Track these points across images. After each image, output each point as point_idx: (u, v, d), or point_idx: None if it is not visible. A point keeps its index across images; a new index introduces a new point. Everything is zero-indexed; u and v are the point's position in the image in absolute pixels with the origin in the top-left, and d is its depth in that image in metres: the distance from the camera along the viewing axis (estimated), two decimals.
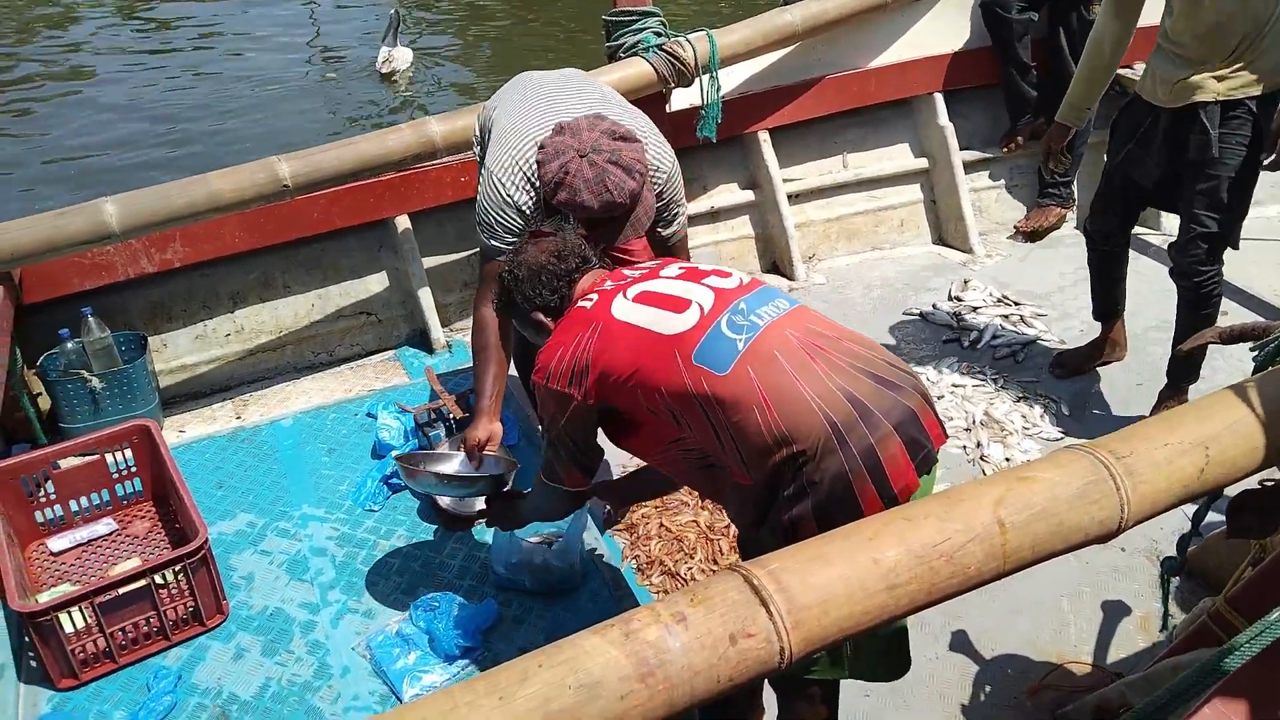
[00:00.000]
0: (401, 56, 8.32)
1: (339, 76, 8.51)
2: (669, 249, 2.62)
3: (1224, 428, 1.41)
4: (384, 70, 8.27)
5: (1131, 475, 1.34)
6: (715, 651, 1.11)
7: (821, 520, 1.62)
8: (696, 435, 1.76)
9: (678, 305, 1.81)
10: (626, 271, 1.99)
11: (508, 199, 2.37)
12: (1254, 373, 1.65)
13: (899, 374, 1.75)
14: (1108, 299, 3.38)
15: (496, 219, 2.40)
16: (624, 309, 1.85)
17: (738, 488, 1.76)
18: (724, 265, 2.08)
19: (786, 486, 1.67)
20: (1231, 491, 1.73)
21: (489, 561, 2.55)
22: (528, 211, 2.38)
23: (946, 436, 1.83)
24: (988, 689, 2.37)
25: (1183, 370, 3.10)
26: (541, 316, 2.00)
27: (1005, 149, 4.39)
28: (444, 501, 2.70)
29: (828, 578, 1.18)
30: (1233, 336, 2.16)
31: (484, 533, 2.71)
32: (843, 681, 2.01)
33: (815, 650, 1.18)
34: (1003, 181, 4.50)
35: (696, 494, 2.91)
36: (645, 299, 1.85)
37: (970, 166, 4.38)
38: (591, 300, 1.90)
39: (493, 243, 2.42)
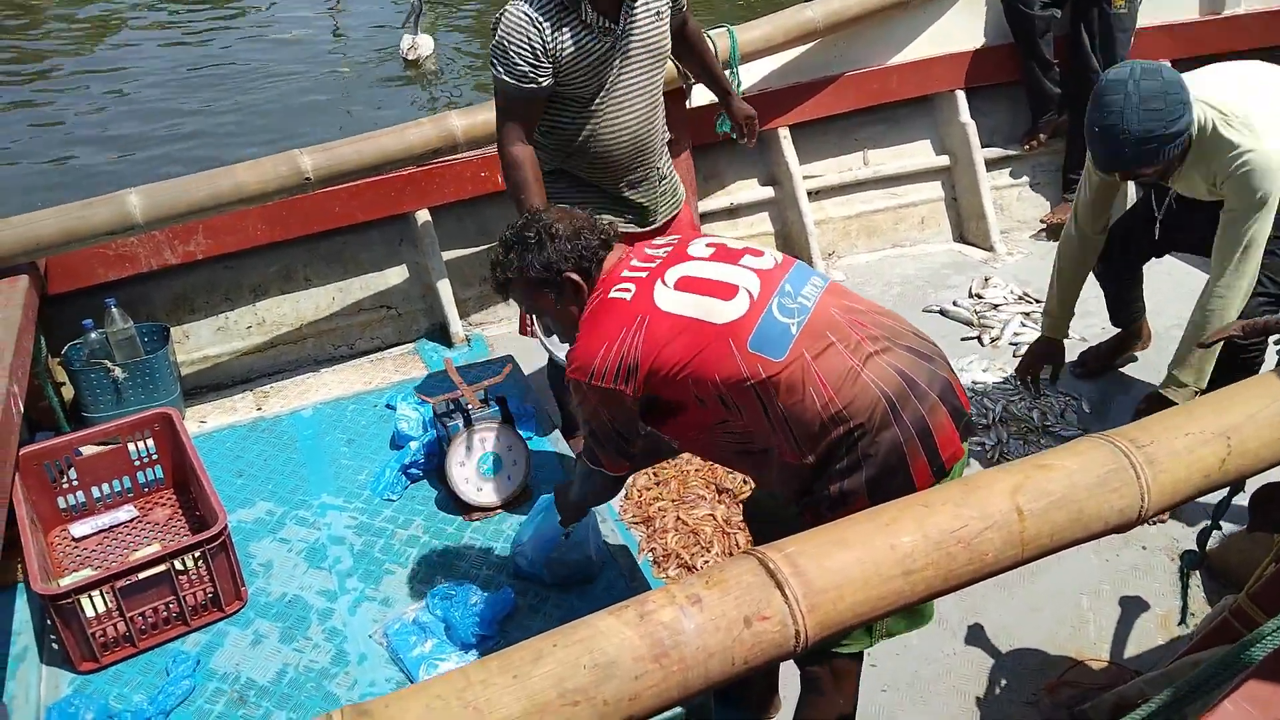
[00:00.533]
0: (425, 43, 8.38)
1: (365, 63, 8.55)
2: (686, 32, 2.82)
3: (1245, 418, 1.40)
4: (409, 57, 8.32)
5: (1152, 464, 1.32)
6: (730, 634, 1.10)
7: (874, 492, 1.67)
8: (746, 419, 1.74)
9: (724, 291, 1.76)
10: (649, 250, 1.91)
11: (525, 13, 2.40)
12: (1278, 365, 1.63)
13: (927, 345, 1.81)
14: (1122, 313, 3.37)
15: (513, 42, 2.42)
16: (668, 299, 1.77)
17: (785, 466, 1.76)
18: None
19: (839, 461, 1.69)
20: (1253, 485, 1.71)
21: (512, 554, 2.56)
22: (545, 24, 2.40)
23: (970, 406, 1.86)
24: (1005, 685, 2.36)
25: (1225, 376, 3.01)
26: (577, 277, 1.86)
27: (1026, 146, 4.37)
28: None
29: (844, 562, 1.18)
30: (1256, 330, 2.15)
31: (501, 522, 2.72)
32: (859, 677, 2.00)
33: (830, 635, 1.17)
34: (1024, 179, 4.48)
35: (712, 490, 2.91)
36: (688, 285, 1.78)
37: (992, 164, 4.36)
38: (629, 291, 1.80)
39: (507, 79, 2.45)
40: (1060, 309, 3.06)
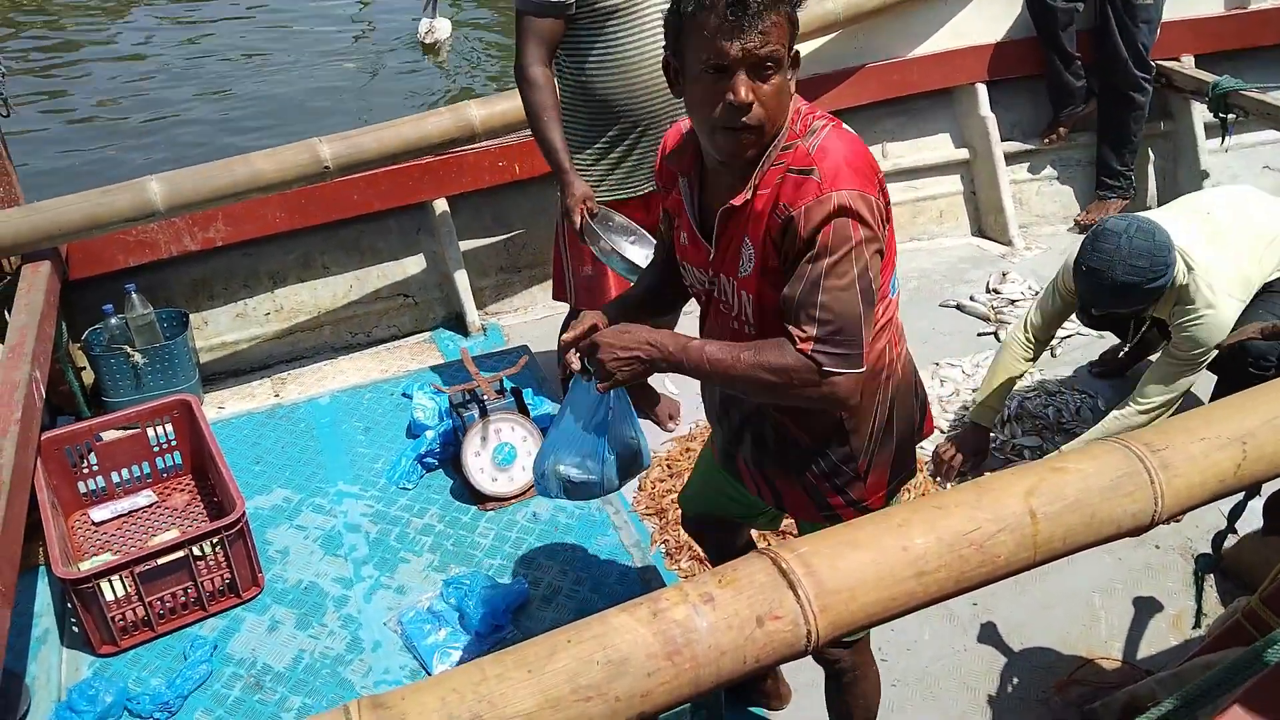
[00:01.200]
0: (442, 27, 8.37)
1: (382, 48, 8.54)
2: None
3: (1262, 423, 1.39)
4: (427, 41, 8.31)
5: (1166, 468, 1.32)
6: (742, 633, 1.11)
7: (895, 462, 1.75)
8: None
9: None
10: None
11: None
12: None
13: None
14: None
15: None
16: None
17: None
18: None
19: (875, 419, 1.70)
20: (1269, 489, 1.71)
21: (544, 478, 1.85)
22: None
23: None
24: (1016, 682, 2.36)
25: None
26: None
27: (1046, 140, 4.34)
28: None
29: (856, 562, 1.18)
30: (1273, 333, 2.13)
31: (515, 512, 2.73)
32: None
33: (842, 635, 1.18)
34: (1044, 173, 4.45)
35: None
36: None
37: (1011, 158, 4.33)
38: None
39: None
40: (998, 400, 2.89)
